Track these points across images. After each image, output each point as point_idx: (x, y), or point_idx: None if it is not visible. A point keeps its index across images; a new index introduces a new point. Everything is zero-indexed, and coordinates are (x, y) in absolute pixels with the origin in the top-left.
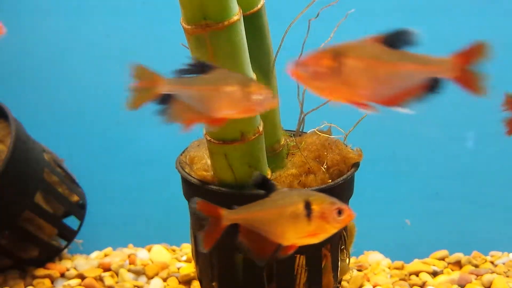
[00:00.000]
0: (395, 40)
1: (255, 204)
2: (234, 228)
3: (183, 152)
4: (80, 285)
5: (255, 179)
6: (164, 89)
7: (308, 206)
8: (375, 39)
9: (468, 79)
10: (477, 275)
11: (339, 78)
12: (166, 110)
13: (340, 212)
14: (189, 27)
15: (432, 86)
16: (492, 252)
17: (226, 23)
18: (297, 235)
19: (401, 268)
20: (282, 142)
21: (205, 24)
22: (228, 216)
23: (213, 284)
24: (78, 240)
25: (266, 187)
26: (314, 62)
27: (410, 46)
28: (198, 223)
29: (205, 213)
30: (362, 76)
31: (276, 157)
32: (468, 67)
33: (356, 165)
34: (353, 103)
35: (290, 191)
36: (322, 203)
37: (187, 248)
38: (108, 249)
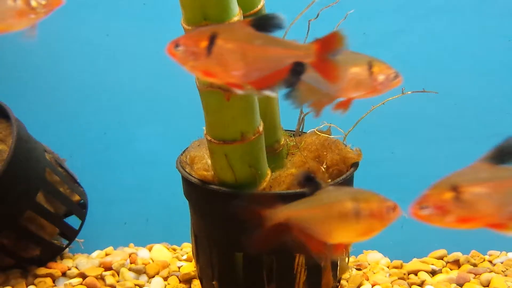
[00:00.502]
0: (264, 24)
1: (300, 202)
2: (284, 226)
3: (183, 152)
4: (81, 284)
5: (300, 177)
6: None
7: (356, 204)
8: (245, 22)
9: (324, 66)
10: (476, 274)
11: (212, 59)
12: (293, 93)
13: (389, 209)
14: (190, 27)
15: (296, 70)
16: (490, 252)
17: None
18: (345, 234)
19: (400, 267)
20: (282, 142)
21: (206, 25)
22: (272, 216)
23: (214, 283)
24: (79, 240)
25: (312, 185)
26: (189, 42)
27: (278, 30)
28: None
29: (247, 216)
30: (233, 57)
31: (276, 157)
32: (325, 55)
33: (355, 165)
34: (227, 84)
35: (337, 189)
36: (370, 201)
37: (187, 247)
38: (109, 248)
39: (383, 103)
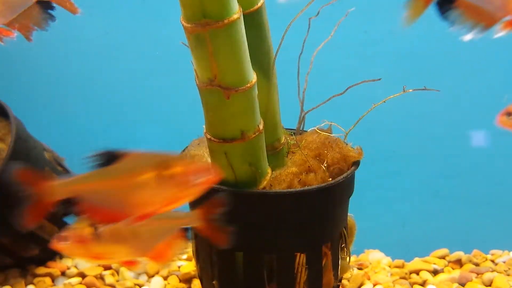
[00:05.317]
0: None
1: (96, 173)
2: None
3: (183, 150)
4: (80, 283)
5: (97, 157)
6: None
7: (161, 172)
8: None
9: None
10: (478, 274)
11: (101, 244)
12: (453, 14)
13: (196, 174)
14: (189, 25)
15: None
16: (493, 251)
17: (226, 21)
18: (149, 204)
19: (401, 266)
20: (283, 141)
21: (205, 23)
22: (58, 190)
23: (214, 282)
24: None
25: (112, 159)
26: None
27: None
28: None
29: (25, 184)
30: (121, 240)
31: (276, 156)
32: (210, 218)
33: (356, 163)
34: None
35: (140, 155)
36: (177, 167)
37: (187, 247)
38: None
39: (384, 101)
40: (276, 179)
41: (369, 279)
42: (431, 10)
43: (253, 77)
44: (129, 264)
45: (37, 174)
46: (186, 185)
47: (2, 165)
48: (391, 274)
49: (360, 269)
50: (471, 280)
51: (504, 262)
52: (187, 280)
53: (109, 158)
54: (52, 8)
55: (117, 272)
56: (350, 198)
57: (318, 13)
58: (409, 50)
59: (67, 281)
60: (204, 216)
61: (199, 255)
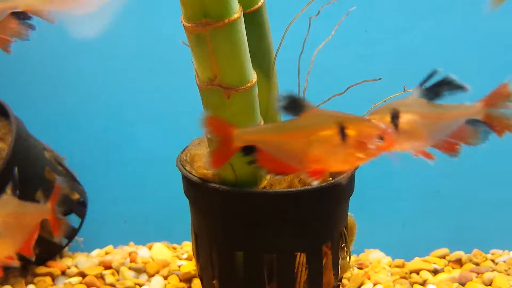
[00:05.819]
0: None
1: (276, 125)
2: (249, 149)
3: (183, 150)
4: (81, 282)
5: (284, 99)
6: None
7: (342, 130)
8: None
9: None
10: (478, 273)
11: None
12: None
13: (379, 137)
14: (190, 25)
15: None
16: (493, 250)
17: (226, 21)
18: (327, 161)
19: (401, 266)
20: None
21: (206, 22)
22: (241, 137)
23: (214, 282)
24: (79, 238)
25: (296, 109)
26: None
27: None
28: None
29: (214, 131)
30: None
31: None
32: None
33: None
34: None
35: (322, 111)
36: (359, 127)
37: (188, 246)
38: (109, 247)
39: (384, 101)
40: (276, 178)
41: (369, 278)
42: (433, 9)
43: (253, 76)
44: (9, 259)
45: (224, 122)
46: (363, 146)
47: (2, 165)
48: (391, 274)
49: (360, 268)
50: (471, 280)
51: (504, 262)
52: (187, 279)
53: (294, 104)
54: (29, 18)
55: (117, 271)
56: (350, 198)
57: (318, 13)
58: (409, 50)
59: (67, 280)
60: (52, 208)
61: (199, 255)
